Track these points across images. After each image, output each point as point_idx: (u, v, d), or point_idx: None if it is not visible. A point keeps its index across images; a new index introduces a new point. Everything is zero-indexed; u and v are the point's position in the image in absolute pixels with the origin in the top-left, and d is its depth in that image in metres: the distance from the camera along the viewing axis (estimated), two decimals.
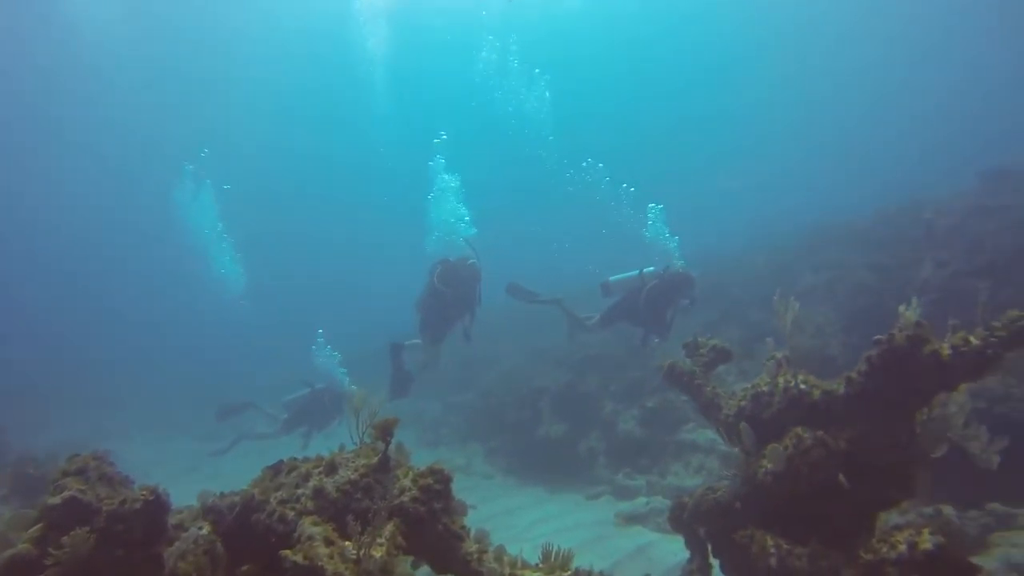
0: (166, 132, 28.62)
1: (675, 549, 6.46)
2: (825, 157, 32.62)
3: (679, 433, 9.74)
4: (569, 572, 2.35)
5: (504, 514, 8.96)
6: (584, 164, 14.17)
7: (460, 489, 9.40)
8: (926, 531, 3.06)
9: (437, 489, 2.80)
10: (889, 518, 6.08)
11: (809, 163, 32.59)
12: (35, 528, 2.69)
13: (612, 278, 8.71)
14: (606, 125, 31.72)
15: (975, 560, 4.92)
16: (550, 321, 16.02)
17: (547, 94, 19.26)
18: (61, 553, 2.44)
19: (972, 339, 3.26)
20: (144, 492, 2.59)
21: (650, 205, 10.43)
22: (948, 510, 5.46)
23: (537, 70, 19.08)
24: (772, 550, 3.65)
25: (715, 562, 4.30)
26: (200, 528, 2.87)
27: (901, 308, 3.45)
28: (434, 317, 8.54)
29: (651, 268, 8.33)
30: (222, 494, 3.24)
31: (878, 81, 31.32)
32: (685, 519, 4.35)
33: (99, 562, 2.56)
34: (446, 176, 12.42)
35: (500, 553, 2.68)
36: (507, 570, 2.54)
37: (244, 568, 2.73)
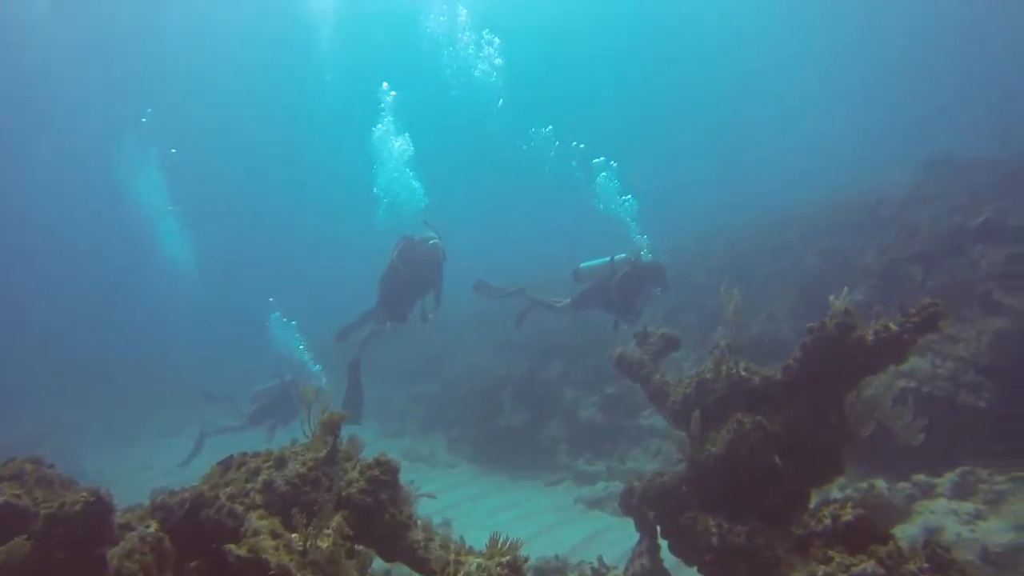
0: (103, 99, 27.04)
1: (631, 532, 6.67)
2: (786, 145, 33.39)
3: (638, 419, 10.00)
4: (507, 557, 2.43)
5: (466, 501, 9.10)
6: (532, 131, 13.98)
7: (423, 479, 9.52)
8: (848, 505, 3.26)
9: (384, 480, 2.85)
10: (831, 493, 6.45)
11: (771, 151, 33.29)
12: None
13: (583, 264, 8.73)
14: (564, 95, 31.65)
15: (901, 526, 5.30)
16: (515, 311, 16.16)
17: (499, 60, 19.08)
18: None
19: (891, 325, 3.46)
20: (85, 494, 2.57)
21: (596, 161, 10.32)
22: (880, 484, 5.82)
23: (488, 34, 18.81)
24: (714, 529, 3.82)
25: (664, 543, 4.48)
26: (147, 527, 2.87)
27: (831, 298, 3.63)
28: (393, 296, 8.40)
29: (622, 255, 8.37)
30: (172, 492, 3.23)
31: (839, 69, 32.16)
32: (634, 503, 4.49)
33: (39, 566, 2.54)
34: (396, 140, 12.08)
35: (446, 540, 2.76)
36: (452, 556, 2.61)
37: (193, 564, 2.74)
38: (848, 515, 3.23)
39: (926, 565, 2.92)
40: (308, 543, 2.47)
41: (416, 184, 11.20)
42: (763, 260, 11.47)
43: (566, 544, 7.11)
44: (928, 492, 5.68)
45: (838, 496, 6.16)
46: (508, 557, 2.39)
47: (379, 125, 12.68)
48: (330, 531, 2.62)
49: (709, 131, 35.20)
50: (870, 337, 3.54)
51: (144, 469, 13.31)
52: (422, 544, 2.74)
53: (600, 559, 4.98)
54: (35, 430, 14.37)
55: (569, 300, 9.09)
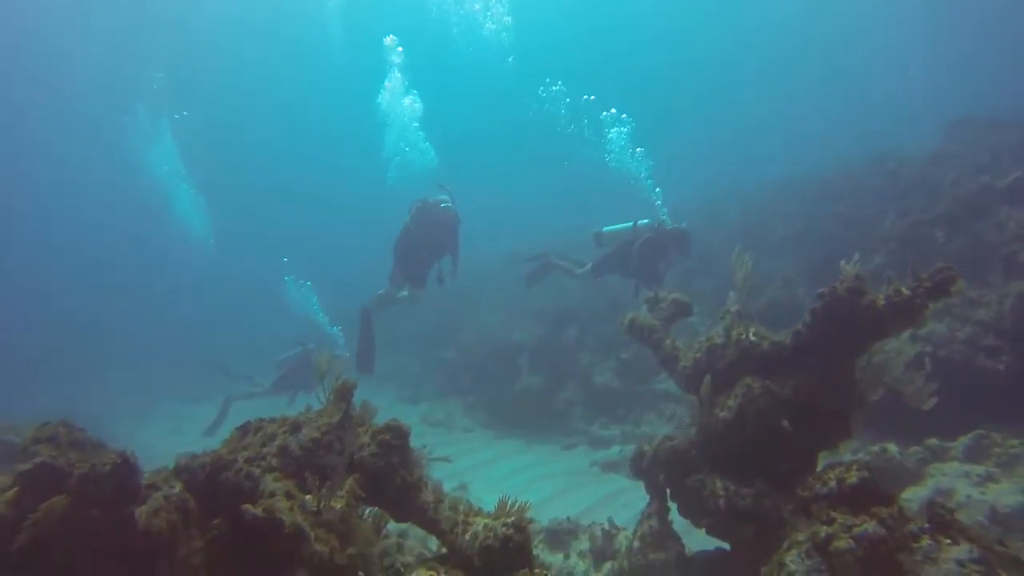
0: (111, 68, 26.80)
1: (644, 495, 6.79)
2: (802, 108, 32.47)
3: (653, 384, 10.06)
4: (512, 518, 2.51)
5: (482, 465, 9.30)
6: (541, 88, 13.71)
7: (440, 443, 9.71)
8: (854, 468, 3.28)
9: (395, 444, 2.94)
10: (843, 457, 6.49)
11: (785, 113, 32.44)
12: (10, 492, 2.81)
13: (605, 228, 8.61)
14: (573, 53, 31.01)
15: (912, 489, 5.33)
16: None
17: (508, 19, 18.70)
18: (37, 514, 2.56)
19: (903, 290, 3.43)
20: (113, 456, 2.69)
21: (605, 115, 10.09)
22: (892, 447, 5.83)
23: None
24: (721, 492, 3.90)
25: (673, 505, 4.57)
26: (172, 487, 3.01)
27: (842, 263, 3.60)
28: (409, 259, 8.45)
29: (645, 221, 8.22)
30: (194, 455, 3.37)
31: (856, 32, 30.98)
32: (645, 466, 4.57)
33: (74, 521, 2.68)
34: (405, 99, 11.94)
35: (455, 502, 2.85)
36: (460, 517, 2.71)
37: (215, 523, 2.87)
38: (853, 478, 3.26)
39: (927, 525, 2.95)
40: (321, 504, 2.57)
41: (426, 144, 11.08)
42: (778, 225, 11.30)
43: (579, 506, 7.27)
44: (941, 455, 5.69)
45: (844, 459, 6.24)
46: (513, 518, 2.47)
47: (387, 83, 12.50)
48: (343, 493, 2.73)
49: (727, 94, 34.29)
50: (881, 302, 3.52)
51: (172, 434, 13.79)
52: (432, 506, 2.84)
53: (611, 520, 5.11)
54: (61, 400, 14.87)
55: (590, 266, 9.00)
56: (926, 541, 2.88)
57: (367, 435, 3.02)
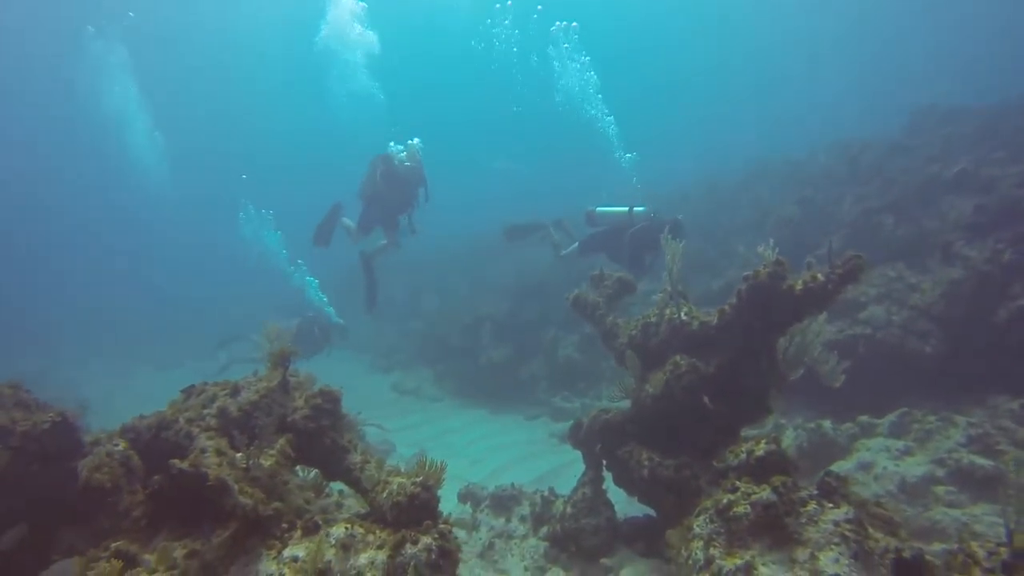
0: None
1: None
2: (777, 93, 32.57)
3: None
4: (420, 477, 2.72)
5: (446, 433, 9.57)
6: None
7: (408, 411, 9.96)
8: (763, 441, 3.54)
9: (326, 408, 3.13)
10: (786, 431, 6.83)
11: (761, 99, 32.52)
12: None
13: (599, 208, 8.48)
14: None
15: (840, 462, 5.67)
16: (500, 250, 16.34)
17: None
18: None
19: (818, 276, 3.65)
20: (52, 414, 2.85)
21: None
22: (826, 424, 6.16)
23: None
24: (645, 463, 4.17)
25: (609, 475, 4.84)
26: (116, 445, 3.18)
27: (760, 248, 3.80)
28: (377, 213, 8.68)
29: (641, 208, 8.10)
30: (141, 415, 3.54)
31: (835, 15, 30.89)
32: (581, 437, 4.83)
33: (16, 475, 2.85)
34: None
35: (381, 463, 3.06)
36: (383, 476, 2.91)
37: (155, 478, 3.05)
38: (760, 451, 3.51)
39: (815, 491, 3.23)
40: (250, 461, 2.76)
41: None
42: (742, 209, 11.53)
43: (534, 473, 7.57)
44: (869, 431, 6.04)
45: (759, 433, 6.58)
46: (421, 477, 2.68)
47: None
48: (273, 452, 2.92)
49: (707, 79, 34.18)
50: (799, 286, 3.74)
51: (146, 399, 13.86)
52: (358, 466, 3.04)
53: (551, 489, 5.37)
54: (38, 363, 14.85)
55: (577, 244, 8.95)
56: (812, 506, 3.16)
57: (301, 399, 3.20)
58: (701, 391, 4.09)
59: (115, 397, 13.98)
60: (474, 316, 12.35)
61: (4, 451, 2.85)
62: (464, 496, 6.13)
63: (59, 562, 2.31)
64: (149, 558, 2.65)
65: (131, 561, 2.62)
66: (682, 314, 4.34)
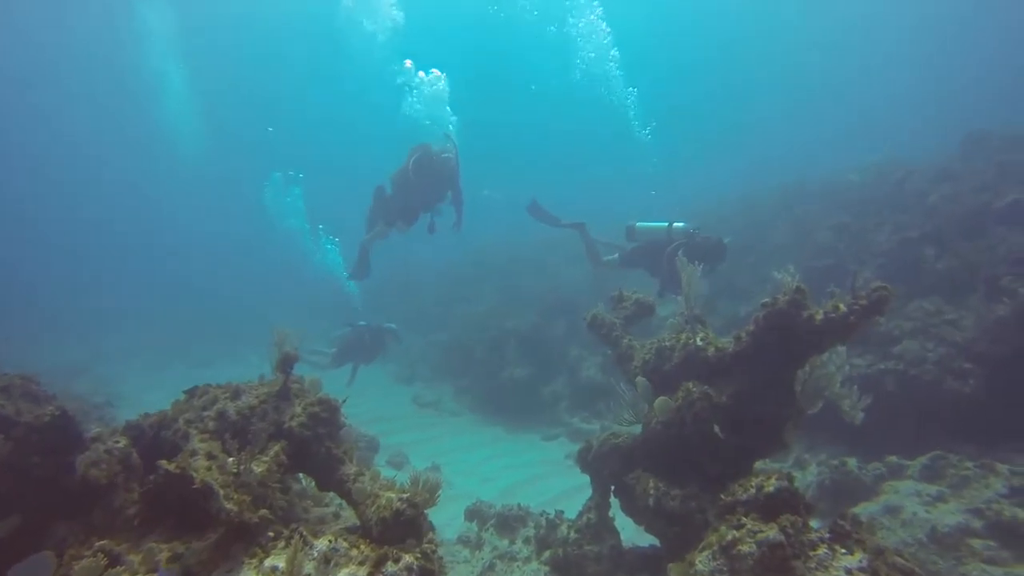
0: None
1: None
2: (825, 114, 31.76)
3: None
4: (407, 494, 2.65)
5: (461, 449, 9.49)
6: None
7: (425, 424, 9.93)
8: (774, 477, 3.36)
9: (323, 416, 3.10)
10: (808, 469, 6.54)
11: (804, 116, 31.75)
12: None
13: (639, 224, 8.28)
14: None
15: (864, 504, 5.38)
16: (533, 260, 16.28)
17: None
18: None
19: (841, 306, 3.48)
20: (52, 408, 2.89)
21: None
22: (852, 462, 5.88)
23: None
24: (651, 492, 4.01)
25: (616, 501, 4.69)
26: (117, 442, 3.21)
27: (778, 275, 3.65)
28: (398, 203, 8.38)
29: (681, 224, 7.87)
30: (146, 413, 3.58)
31: (884, 38, 30.07)
32: (590, 460, 4.70)
33: (18, 465, 2.89)
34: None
35: (375, 476, 3.00)
36: (374, 489, 2.86)
37: (151, 477, 3.06)
38: (771, 487, 3.34)
39: (827, 535, 3.04)
40: (241, 467, 2.74)
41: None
42: (777, 231, 11.21)
43: (546, 495, 7.42)
44: (898, 473, 5.73)
45: (772, 469, 6.30)
46: (408, 493, 2.61)
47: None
48: (266, 458, 2.90)
49: (751, 95, 33.66)
50: (819, 316, 3.58)
51: (174, 396, 14.19)
52: (352, 478, 2.99)
53: (559, 512, 5.24)
54: (80, 357, 15.38)
55: (618, 256, 8.72)
56: (822, 549, 2.98)
57: (299, 406, 3.18)
58: (713, 420, 3.93)
59: (147, 393, 14.40)
60: (500, 330, 12.28)
61: (6, 441, 2.90)
62: (471, 514, 6.05)
63: (36, 555, 2.32)
64: (134, 559, 2.65)
65: (115, 560, 2.62)
66: (698, 340, 4.20)
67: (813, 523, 3.52)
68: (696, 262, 7.81)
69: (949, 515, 4.77)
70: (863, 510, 5.27)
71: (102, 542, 2.63)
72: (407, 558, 2.48)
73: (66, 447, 2.97)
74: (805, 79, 33.09)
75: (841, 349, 3.85)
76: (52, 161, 33.65)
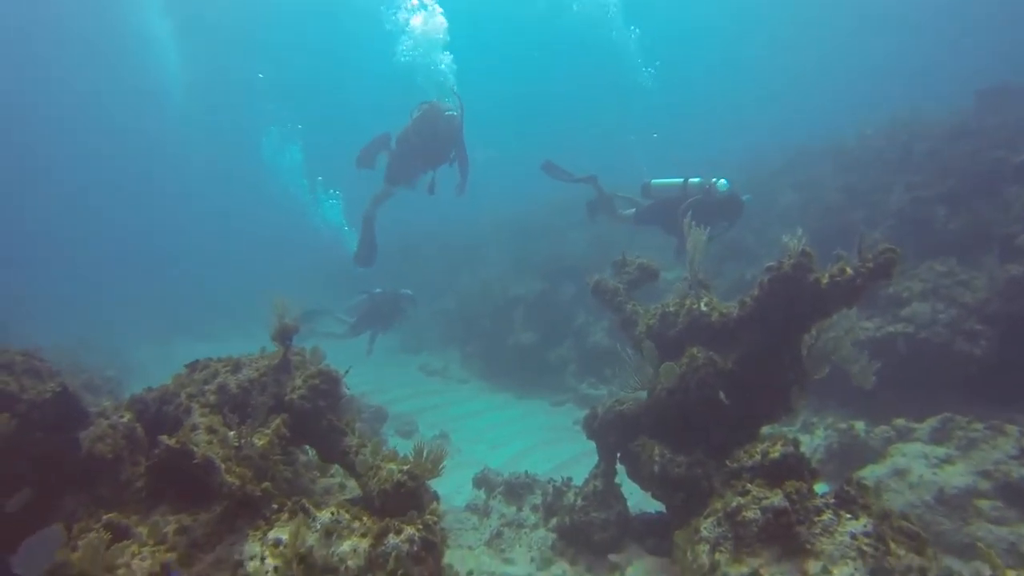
0: None
1: None
2: (830, 73, 30.75)
3: None
4: (408, 465, 2.65)
5: (469, 416, 9.56)
6: None
7: (433, 391, 9.96)
8: (779, 443, 3.34)
9: (324, 389, 3.09)
10: (815, 431, 6.53)
11: (813, 79, 30.79)
12: None
13: (655, 181, 8.09)
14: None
15: (871, 466, 5.38)
16: (537, 228, 16.12)
17: None
18: None
19: (847, 269, 3.39)
20: (53, 384, 2.89)
21: None
22: (859, 425, 5.85)
23: None
24: (657, 458, 4.00)
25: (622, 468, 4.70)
26: (121, 416, 3.22)
27: (785, 238, 3.56)
28: (399, 164, 8.18)
29: (696, 179, 7.63)
30: (149, 388, 3.59)
31: None
32: (596, 427, 4.69)
33: (22, 441, 2.91)
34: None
35: (378, 448, 3.00)
36: (377, 460, 2.86)
37: (155, 451, 3.08)
38: (776, 452, 3.32)
39: (832, 500, 3.03)
40: (243, 440, 2.74)
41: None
42: (784, 191, 11.00)
43: (554, 460, 7.48)
44: (906, 436, 5.69)
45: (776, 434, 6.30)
46: (409, 465, 2.61)
47: None
48: (268, 431, 2.90)
49: (757, 54, 32.58)
50: (825, 280, 3.50)
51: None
52: (354, 449, 2.99)
53: (567, 478, 5.27)
54: (92, 329, 15.49)
55: (633, 211, 8.48)
56: (827, 515, 2.97)
57: (300, 378, 3.17)
58: (718, 386, 3.90)
59: (156, 366, 14.57)
60: (505, 297, 12.25)
61: (11, 418, 2.92)
62: (479, 481, 6.09)
63: (47, 528, 2.34)
64: (142, 531, 2.68)
65: (123, 533, 2.64)
66: (702, 305, 4.14)
67: (821, 487, 3.53)
68: (716, 221, 7.64)
69: (957, 476, 4.74)
70: (870, 473, 5.26)
71: (110, 515, 2.65)
72: (409, 530, 2.49)
73: (70, 423, 2.99)
74: (807, 42, 32.00)
75: (850, 312, 3.79)
76: (44, 133, 33.18)
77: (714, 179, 7.46)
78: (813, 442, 6.00)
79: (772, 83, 31.73)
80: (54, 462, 2.94)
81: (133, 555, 2.48)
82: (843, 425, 5.96)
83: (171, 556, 2.44)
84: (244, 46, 30.28)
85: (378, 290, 10.40)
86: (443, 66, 8.63)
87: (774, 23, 31.05)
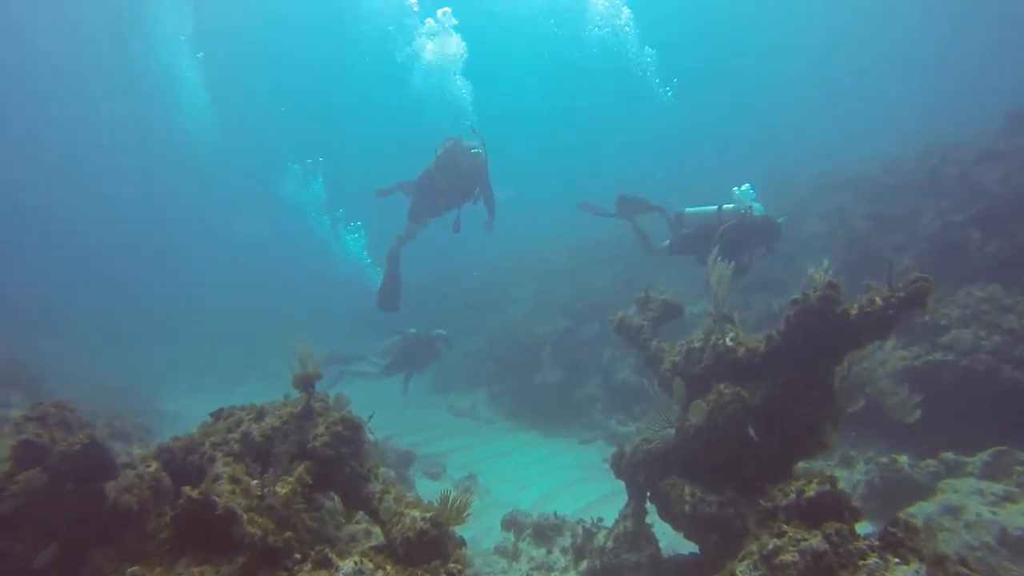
0: None
1: None
2: (849, 100, 30.60)
3: None
4: (431, 512, 2.60)
5: (496, 457, 9.43)
6: None
7: (461, 432, 9.88)
8: (815, 480, 3.21)
9: (346, 436, 3.08)
10: (855, 467, 6.25)
11: (832, 107, 30.63)
12: (7, 464, 3.11)
13: (688, 209, 7.84)
14: None
15: (920, 503, 5.11)
16: (561, 268, 16.14)
17: None
18: (16, 486, 2.83)
19: (877, 300, 3.30)
20: (82, 436, 2.94)
21: None
22: (903, 459, 5.60)
23: None
24: (687, 498, 3.87)
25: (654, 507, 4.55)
26: (148, 466, 3.25)
27: (810, 270, 3.49)
28: (423, 202, 8.09)
29: (730, 205, 7.41)
30: (176, 437, 3.62)
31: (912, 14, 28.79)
32: (623, 466, 4.59)
33: (52, 494, 2.95)
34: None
35: (401, 495, 2.96)
36: (400, 508, 2.82)
37: (180, 501, 3.09)
38: (812, 491, 3.19)
39: (876, 543, 2.87)
40: (265, 489, 2.73)
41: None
42: (811, 220, 10.85)
43: (584, 500, 7.30)
44: (956, 471, 5.43)
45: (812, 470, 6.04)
46: (432, 513, 2.56)
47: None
48: (290, 479, 2.89)
49: (786, 78, 32.63)
50: (854, 311, 3.41)
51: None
52: (377, 496, 2.96)
53: (596, 519, 5.13)
54: (121, 375, 15.78)
55: (667, 243, 8.25)
56: (872, 559, 2.81)
57: (322, 426, 3.16)
58: (746, 422, 3.78)
59: (187, 411, 14.74)
60: (532, 336, 12.21)
61: (43, 472, 2.96)
62: (508, 524, 5.98)
63: None
64: None
65: None
66: (727, 339, 4.05)
67: (864, 527, 3.36)
68: (753, 244, 7.43)
69: (1021, 516, 4.46)
70: (919, 510, 5.00)
71: (133, 568, 2.65)
72: None
73: (97, 474, 3.02)
74: (831, 68, 32.04)
75: (887, 344, 3.66)
76: (67, 168, 34.07)
77: (749, 204, 7.26)
78: (853, 477, 5.76)
79: (796, 108, 31.67)
80: (82, 514, 2.97)
81: None
82: (885, 459, 5.71)
83: None
84: (264, 81, 31.41)
85: (412, 331, 10.33)
86: (462, 92, 8.64)
87: (793, 49, 31.24)
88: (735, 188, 7.48)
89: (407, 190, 8.37)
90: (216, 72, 25.16)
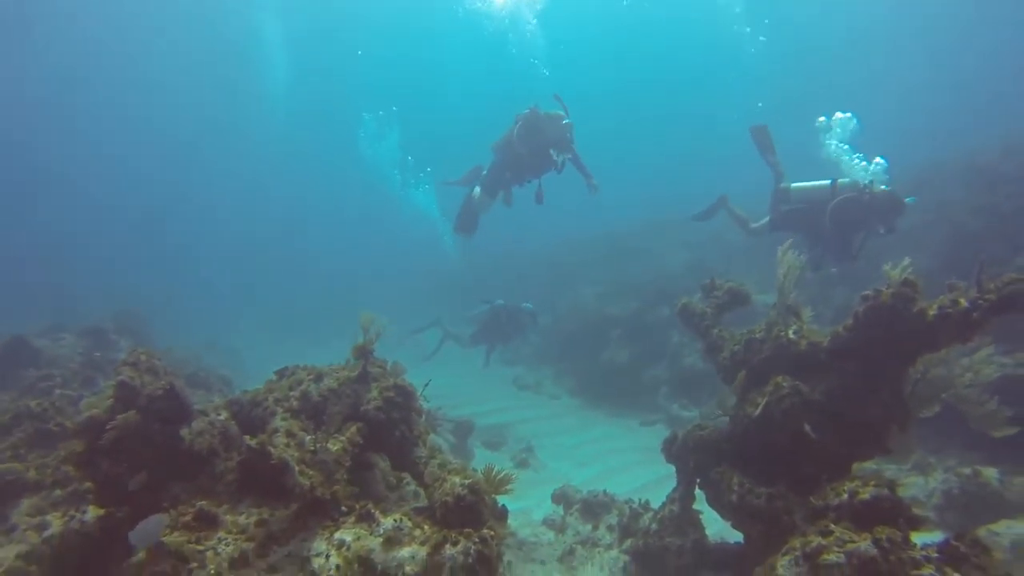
0: None
1: None
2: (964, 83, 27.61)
3: None
4: (470, 480, 2.69)
5: (557, 432, 9.53)
6: None
7: (524, 405, 10.02)
8: (871, 483, 3.06)
9: (398, 401, 3.24)
10: (933, 476, 5.85)
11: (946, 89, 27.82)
12: (108, 401, 3.51)
13: (794, 184, 7.20)
14: None
15: (1007, 522, 4.76)
16: (638, 248, 15.84)
17: None
18: (116, 422, 3.19)
19: (961, 301, 3.06)
20: (163, 382, 3.25)
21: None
22: (990, 473, 5.21)
23: None
24: (735, 487, 3.79)
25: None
26: (219, 415, 3.56)
27: (886, 267, 3.27)
28: (501, 173, 7.67)
29: (847, 180, 6.79)
30: (245, 391, 3.94)
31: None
32: (675, 451, 4.54)
33: (143, 430, 3.30)
34: None
35: (445, 461, 3.10)
36: (443, 473, 2.94)
37: (244, 448, 3.37)
38: (866, 494, 3.04)
39: (936, 554, 2.71)
40: (318, 445, 2.93)
41: None
42: (910, 212, 9.97)
43: (637, 482, 7.29)
44: None
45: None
46: (470, 480, 2.66)
47: None
48: (343, 438, 3.08)
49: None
50: (932, 312, 3.18)
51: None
52: (423, 460, 3.11)
53: (646, 501, 5.12)
54: (212, 333, 17.04)
55: (767, 219, 7.64)
56: (928, 570, 2.66)
57: (376, 390, 3.34)
58: (803, 418, 3.64)
59: (266, 366, 15.72)
60: (601, 315, 12.14)
61: (136, 413, 3.32)
62: (558, 497, 6.08)
63: (155, 516, 2.64)
64: (229, 519, 2.94)
65: (212, 520, 2.92)
66: (790, 332, 3.89)
67: (931, 537, 3.17)
68: (871, 222, 6.72)
69: None
70: (1006, 530, 4.62)
71: (202, 503, 2.93)
72: (465, 542, 2.54)
73: (176, 417, 3.35)
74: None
75: (983, 350, 3.39)
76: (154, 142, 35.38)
77: (870, 179, 6.57)
78: (928, 485, 5.41)
79: (903, 91, 29.16)
80: (165, 451, 3.31)
81: (219, 541, 2.72)
82: (967, 470, 5.32)
83: (250, 545, 2.65)
84: (343, 32, 30.97)
85: (500, 302, 10.13)
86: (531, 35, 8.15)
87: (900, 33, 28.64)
88: (862, 162, 6.76)
89: (479, 175, 8.07)
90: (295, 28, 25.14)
